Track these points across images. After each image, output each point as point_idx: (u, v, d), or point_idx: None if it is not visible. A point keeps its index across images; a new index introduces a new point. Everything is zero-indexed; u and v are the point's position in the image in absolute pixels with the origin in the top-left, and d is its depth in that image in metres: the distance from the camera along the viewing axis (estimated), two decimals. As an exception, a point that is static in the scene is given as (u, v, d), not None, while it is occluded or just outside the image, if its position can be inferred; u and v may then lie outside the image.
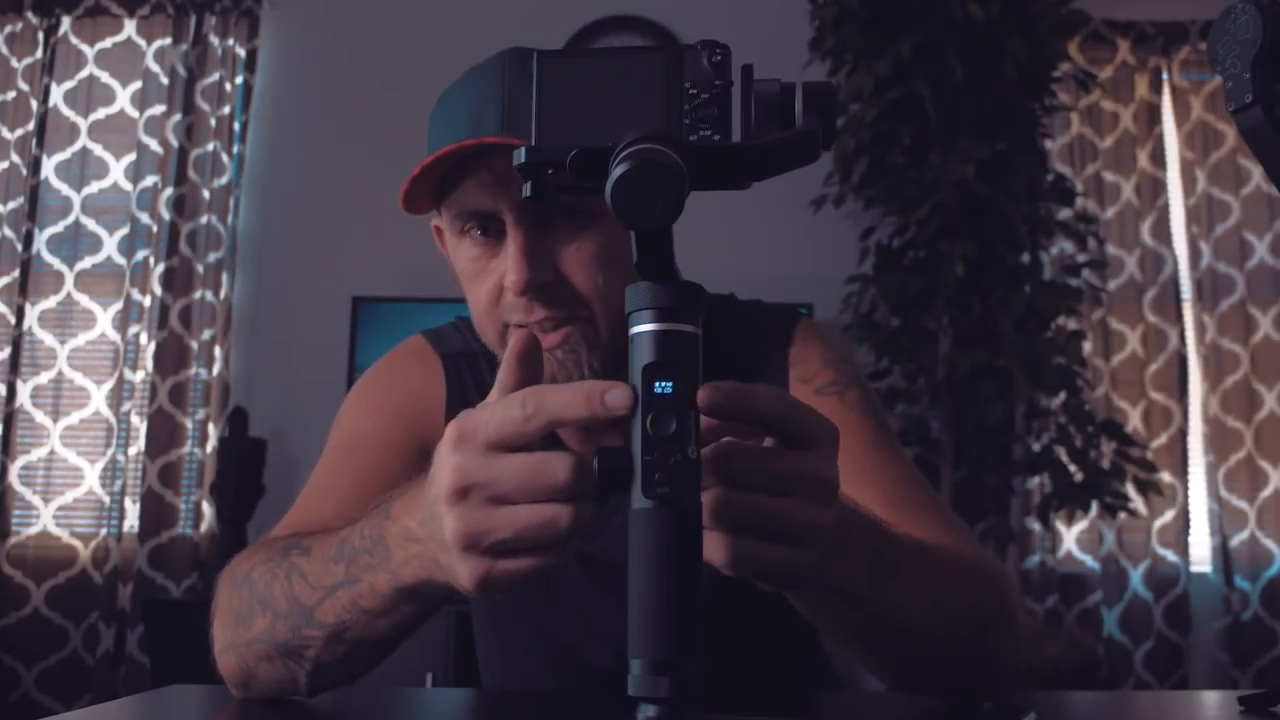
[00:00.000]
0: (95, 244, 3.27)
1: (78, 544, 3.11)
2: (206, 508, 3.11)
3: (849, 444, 0.89)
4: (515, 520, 0.50)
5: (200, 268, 3.20)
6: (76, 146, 3.30)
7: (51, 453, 3.17)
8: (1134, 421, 3.20)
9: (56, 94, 3.32)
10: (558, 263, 0.84)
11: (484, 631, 1.07)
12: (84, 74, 3.33)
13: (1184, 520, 3.17)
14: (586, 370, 0.86)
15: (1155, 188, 3.33)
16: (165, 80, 3.29)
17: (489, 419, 0.51)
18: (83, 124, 3.31)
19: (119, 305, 3.20)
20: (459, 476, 0.51)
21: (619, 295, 0.88)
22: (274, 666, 0.73)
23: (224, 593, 0.78)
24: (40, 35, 3.33)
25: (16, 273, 3.21)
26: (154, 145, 3.26)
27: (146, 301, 3.18)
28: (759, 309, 1.01)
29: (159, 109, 3.28)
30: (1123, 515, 2.79)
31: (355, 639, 0.68)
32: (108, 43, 3.35)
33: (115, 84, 3.35)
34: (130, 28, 3.35)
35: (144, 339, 3.17)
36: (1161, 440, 3.21)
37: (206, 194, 3.23)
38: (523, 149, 0.52)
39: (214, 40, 3.29)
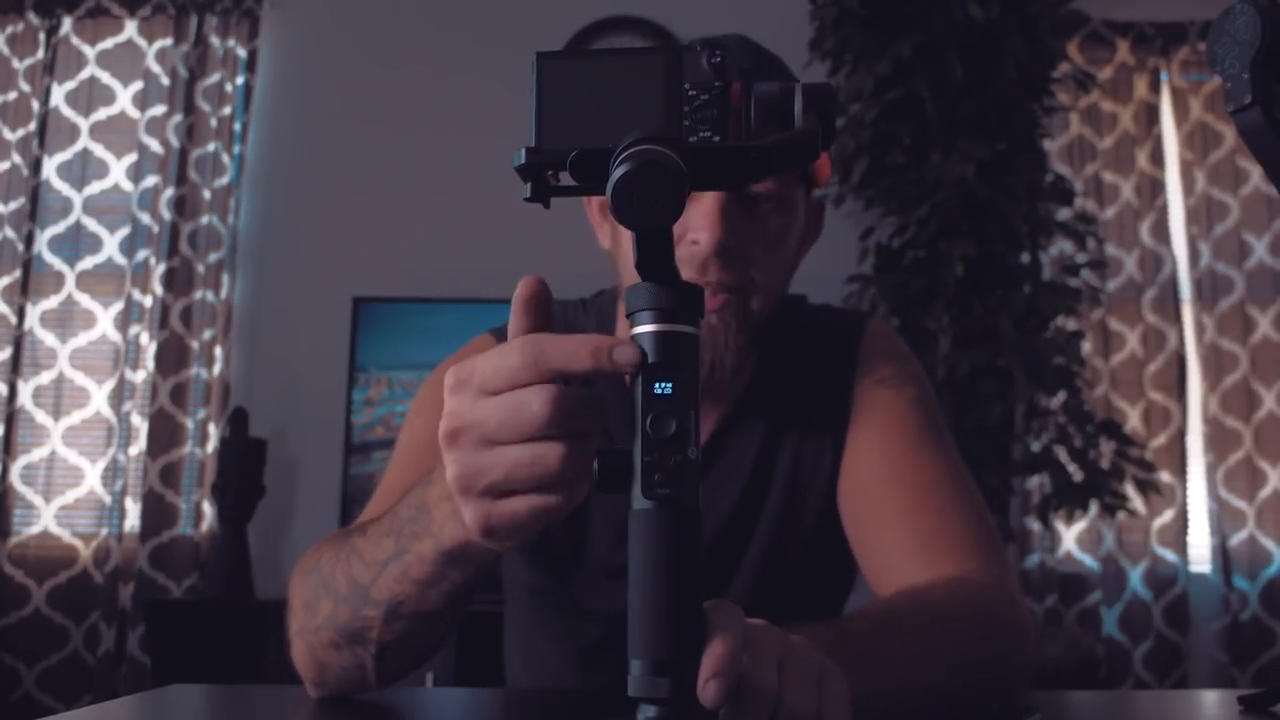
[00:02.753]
0: (96, 244, 3.27)
1: (78, 544, 3.11)
2: (207, 508, 3.11)
3: (889, 438, 0.92)
4: (504, 460, 0.50)
5: (201, 268, 3.20)
6: (77, 147, 3.30)
7: (52, 453, 3.17)
8: (1133, 421, 3.20)
9: (57, 94, 3.32)
10: (744, 233, 0.87)
11: (514, 637, 1.07)
12: (85, 74, 3.34)
13: (1183, 520, 3.17)
14: (732, 344, 0.89)
15: (1154, 188, 3.33)
16: (166, 81, 3.29)
17: (485, 365, 0.50)
18: (84, 124, 3.31)
19: (120, 305, 3.20)
20: (451, 420, 0.51)
21: (779, 282, 0.94)
22: (341, 655, 0.73)
23: (296, 583, 0.79)
24: (41, 36, 3.33)
25: (18, 273, 3.21)
26: (155, 146, 3.26)
27: (147, 302, 3.19)
28: (829, 310, 1.07)
29: (160, 109, 3.28)
30: (1122, 515, 2.79)
31: (411, 613, 0.68)
32: (109, 43, 3.35)
33: (116, 84, 3.35)
34: (131, 28, 3.35)
35: (145, 339, 3.17)
36: (1161, 440, 3.21)
37: (207, 194, 3.24)
38: (523, 150, 0.52)
39: (214, 41, 3.30)
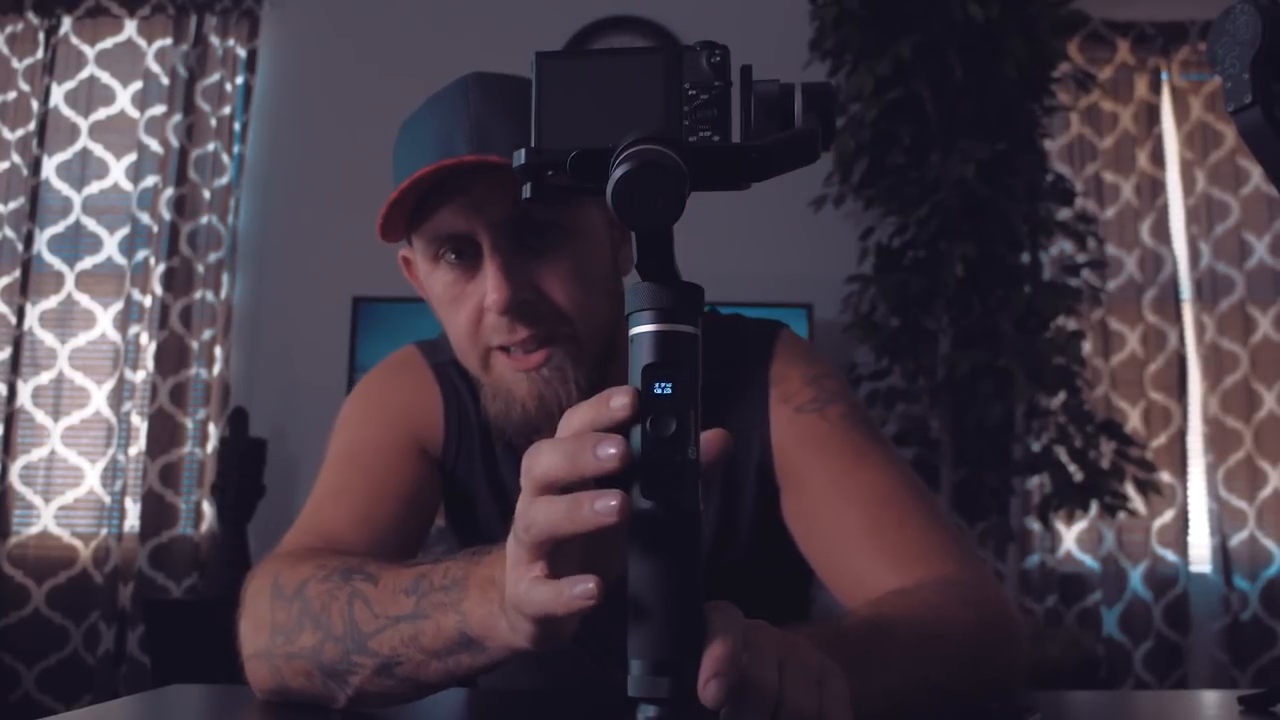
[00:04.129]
0: (96, 244, 3.27)
1: (78, 544, 3.11)
2: (207, 508, 3.11)
3: (830, 464, 0.89)
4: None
5: (200, 268, 3.20)
6: (77, 147, 3.30)
7: (52, 453, 3.17)
8: (1134, 421, 3.20)
9: (57, 94, 3.32)
10: (536, 280, 0.84)
11: None
12: (84, 74, 3.34)
13: (1183, 520, 3.17)
14: (573, 387, 0.85)
15: (1155, 188, 3.33)
16: (165, 80, 3.29)
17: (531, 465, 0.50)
18: (83, 124, 3.31)
19: (119, 305, 3.20)
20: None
21: (599, 308, 0.88)
22: (312, 683, 0.72)
23: (262, 600, 0.77)
24: (41, 35, 3.33)
25: (17, 273, 3.21)
26: (154, 145, 3.26)
27: (147, 301, 3.19)
28: (739, 324, 1.00)
29: (159, 109, 3.28)
30: (1122, 515, 2.79)
31: (405, 676, 0.67)
32: (108, 43, 3.35)
33: (116, 84, 3.35)
34: (131, 28, 3.35)
35: (144, 339, 3.17)
36: (1161, 440, 3.21)
37: (207, 194, 3.23)
38: (523, 150, 0.52)
39: (214, 40, 3.30)
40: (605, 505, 0.46)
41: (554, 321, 0.85)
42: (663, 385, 0.47)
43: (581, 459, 0.47)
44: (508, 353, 0.86)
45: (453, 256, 0.85)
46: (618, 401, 0.47)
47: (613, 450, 0.46)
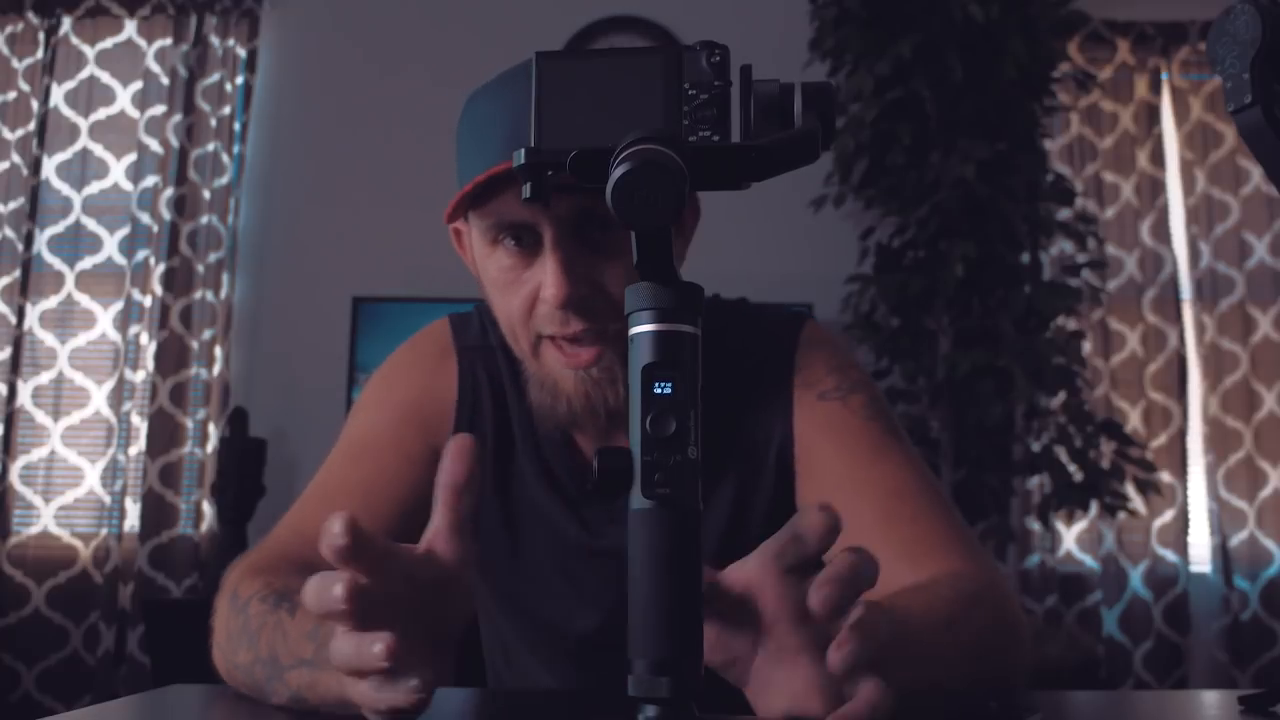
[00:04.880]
0: (96, 244, 3.27)
1: (78, 544, 3.11)
2: (207, 508, 3.11)
3: (847, 454, 0.90)
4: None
5: (200, 268, 3.20)
6: (77, 147, 3.30)
7: (52, 453, 3.17)
8: (1134, 421, 3.20)
9: (57, 94, 3.32)
10: (595, 275, 0.84)
11: (488, 626, 1.07)
12: (85, 74, 3.34)
13: (1183, 520, 3.17)
14: (621, 387, 0.86)
15: (1155, 188, 3.33)
16: (166, 80, 3.29)
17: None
18: (83, 124, 3.31)
19: (119, 305, 3.20)
20: None
21: None
22: (251, 692, 0.74)
23: (224, 605, 0.79)
24: (41, 35, 3.33)
25: (17, 273, 3.21)
26: (154, 145, 3.26)
27: (147, 301, 3.19)
28: (766, 313, 1.01)
29: (159, 109, 3.28)
30: (1122, 515, 2.79)
31: (317, 710, 0.68)
32: (108, 43, 3.35)
33: (116, 84, 3.35)
34: (131, 28, 3.35)
35: (144, 339, 3.17)
36: (1161, 440, 3.21)
37: (207, 194, 3.24)
38: (522, 150, 0.52)
39: (214, 40, 3.30)
40: (377, 649, 0.50)
41: (607, 317, 0.85)
42: (662, 385, 0.48)
43: (324, 598, 0.51)
44: (557, 343, 0.86)
45: (511, 242, 0.85)
46: (336, 593, 0.50)
47: (337, 593, 0.50)
